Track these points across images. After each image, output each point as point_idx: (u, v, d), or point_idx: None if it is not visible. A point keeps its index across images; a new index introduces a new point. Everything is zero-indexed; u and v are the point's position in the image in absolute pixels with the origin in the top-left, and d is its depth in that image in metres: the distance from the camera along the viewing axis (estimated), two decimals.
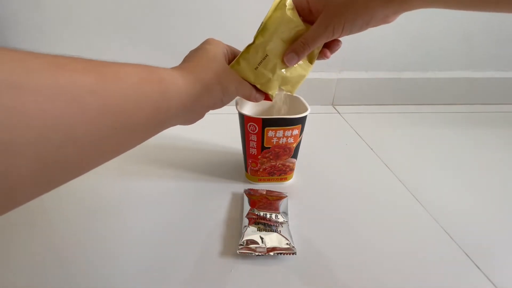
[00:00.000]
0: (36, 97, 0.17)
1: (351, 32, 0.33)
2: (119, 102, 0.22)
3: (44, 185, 0.19)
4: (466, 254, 0.38)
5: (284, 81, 0.37)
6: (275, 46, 0.35)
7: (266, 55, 0.35)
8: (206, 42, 0.35)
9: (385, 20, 0.32)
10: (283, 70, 0.36)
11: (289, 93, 0.39)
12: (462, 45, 0.79)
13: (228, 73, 0.34)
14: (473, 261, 0.37)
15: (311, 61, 0.38)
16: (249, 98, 0.38)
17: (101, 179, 0.49)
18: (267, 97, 0.39)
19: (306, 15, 0.36)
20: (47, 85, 0.18)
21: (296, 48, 0.35)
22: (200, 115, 0.35)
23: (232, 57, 0.37)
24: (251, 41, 0.36)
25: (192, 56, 0.34)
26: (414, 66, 0.81)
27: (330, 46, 0.38)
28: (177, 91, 0.28)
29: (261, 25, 0.35)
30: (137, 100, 0.24)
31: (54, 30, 0.69)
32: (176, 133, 0.64)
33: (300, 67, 0.38)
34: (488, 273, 0.36)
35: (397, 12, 0.31)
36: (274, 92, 0.38)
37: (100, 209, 0.43)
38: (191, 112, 0.32)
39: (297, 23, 0.35)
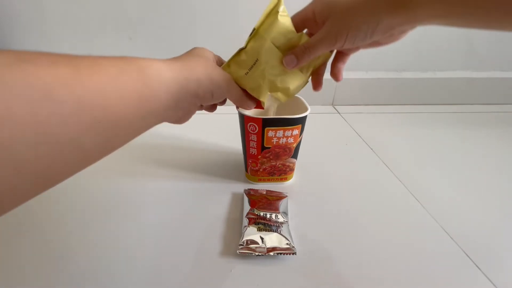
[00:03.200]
0: (2, 95, 0.16)
1: (355, 40, 0.31)
2: (97, 95, 0.20)
3: (21, 192, 0.18)
4: (466, 254, 0.38)
5: (275, 88, 0.37)
6: (266, 52, 0.34)
7: (257, 60, 0.35)
8: (192, 48, 0.35)
9: (390, 33, 0.31)
10: (274, 76, 0.36)
11: (279, 102, 0.39)
12: (462, 45, 0.80)
13: (218, 69, 0.33)
14: (473, 261, 0.37)
15: (306, 72, 0.38)
16: (239, 103, 0.37)
17: (100, 179, 0.49)
18: (259, 105, 0.39)
19: (312, 27, 0.35)
20: (15, 82, 0.16)
21: (297, 51, 0.34)
22: (190, 110, 0.33)
23: (220, 63, 0.37)
24: (243, 45, 0.35)
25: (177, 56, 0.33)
26: (414, 66, 0.81)
27: (337, 61, 0.38)
28: (161, 79, 0.26)
29: (253, 30, 0.35)
30: (117, 92, 0.22)
31: (55, 30, 0.69)
32: (176, 133, 0.64)
33: (294, 77, 0.37)
34: (488, 273, 0.36)
35: (402, 24, 0.30)
36: (265, 98, 0.37)
37: (99, 209, 0.43)
38: (179, 102, 0.29)
39: (290, 30, 0.34)
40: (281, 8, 0.34)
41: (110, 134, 0.22)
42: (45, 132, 0.17)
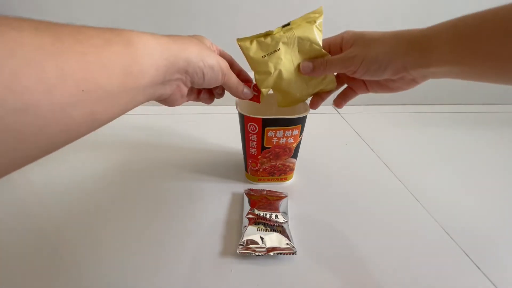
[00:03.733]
0: None
1: (368, 70, 0.34)
2: (81, 65, 0.19)
3: (6, 157, 0.18)
4: (465, 253, 0.38)
5: (278, 87, 0.39)
6: (289, 48, 0.37)
7: (279, 49, 0.36)
8: (192, 35, 0.34)
9: (402, 74, 0.33)
10: (284, 75, 0.38)
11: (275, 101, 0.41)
12: None
13: (213, 53, 0.32)
14: (472, 261, 0.37)
15: (311, 90, 0.40)
16: (235, 91, 0.37)
17: (100, 178, 0.49)
18: (255, 98, 0.39)
19: (336, 52, 0.37)
20: None
21: (315, 61, 0.37)
22: (180, 88, 0.32)
23: (218, 53, 0.37)
24: (272, 30, 0.37)
25: None
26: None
27: (344, 95, 0.42)
28: (149, 53, 0.25)
29: (287, 24, 0.37)
30: (101, 63, 0.21)
31: None
32: (176, 133, 0.64)
33: (299, 87, 0.39)
34: (488, 273, 0.36)
35: (415, 66, 0.31)
36: (266, 90, 0.38)
37: (99, 209, 0.44)
38: (167, 77, 0.28)
39: (316, 42, 0.37)
40: (319, 21, 0.37)
41: (95, 106, 0.21)
42: (28, 99, 0.17)
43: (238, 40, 0.37)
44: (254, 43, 0.37)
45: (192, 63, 0.30)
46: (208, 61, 0.31)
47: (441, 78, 0.32)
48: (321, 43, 0.37)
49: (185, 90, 0.32)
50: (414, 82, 0.36)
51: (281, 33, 0.36)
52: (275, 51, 0.37)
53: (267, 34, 0.37)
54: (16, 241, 0.38)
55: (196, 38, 0.33)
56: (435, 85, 0.81)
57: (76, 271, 0.35)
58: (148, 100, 0.28)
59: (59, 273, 0.34)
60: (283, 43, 0.36)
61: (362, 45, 0.34)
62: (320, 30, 0.37)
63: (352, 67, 0.34)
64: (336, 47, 0.38)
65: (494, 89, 0.84)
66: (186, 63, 0.29)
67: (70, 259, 0.36)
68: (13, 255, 0.36)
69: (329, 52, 0.38)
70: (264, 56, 0.37)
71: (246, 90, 0.37)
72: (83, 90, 0.20)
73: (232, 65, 0.38)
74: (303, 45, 0.37)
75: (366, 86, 0.40)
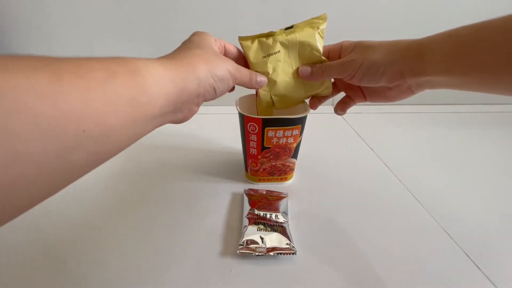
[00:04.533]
0: None
1: (365, 75, 0.34)
2: (82, 104, 0.18)
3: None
4: (465, 253, 0.38)
5: (276, 91, 0.39)
6: (289, 51, 0.37)
7: (278, 51, 0.37)
8: (192, 34, 0.33)
9: (399, 82, 0.33)
10: (281, 77, 0.38)
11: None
12: None
13: (221, 59, 0.31)
14: (472, 261, 0.37)
15: (307, 93, 0.40)
16: (249, 84, 0.35)
17: (100, 179, 0.49)
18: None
19: (334, 59, 0.38)
20: None
21: (314, 66, 0.38)
22: (192, 110, 0.31)
23: (223, 48, 0.36)
24: (274, 31, 0.37)
25: (175, 50, 0.31)
26: None
27: (342, 103, 0.42)
28: (157, 80, 0.24)
29: (290, 27, 0.37)
30: (105, 98, 0.19)
31: (55, 32, 0.69)
32: (176, 133, 0.64)
33: (296, 90, 0.39)
34: (488, 273, 0.36)
35: (411, 73, 0.32)
36: (264, 93, 0.39)
37: (99, 209, 0.44)
38: (178, 105, 0.27)
39: (317, 48, 0.37)
40: (322, 27, 0.37)
41: (98, 146, 0.19)
42: (19, 150, 0.15)
43: (240, 38, 0.37)
44: (256, 43, 0.37)
45: (203, 82, 0.28)
46: (217, 73, 0.29)
47: (437, 88, 0.33)
48: (321, 50, 0.37)
49: (196, 109, 0.32)
50: (410, 91, 0.36)
51: (283, 35, 0.37)
52: (275, 53, 0.37)
53: (269, 34, 0.37)
54: (18, 242, 0.38)
55: (197, 43, 0.31)
56: None
57: (76, 271, 0.35)
58: (158, 127, 0.26)
59: (60, 275, 0.34)
60: (284, 46, 0.37)
61: (361, 51, 0.35)
62: (322, 37, 0.37)
63: (350, 71, 0.35)
64: (335, 54, 0.38)
65: None
66: (196, 85, 0.28)
67: (71, 260, 0.36)
68: (13, 256, 0.36)
69: (328, 59, 0.38)
70: (264, 56, 0.37)
71: (259, 78, 0.37)
72: (84, 131, 0.18)
73: (239, 58, 0.38)
74: (304, 50, 0.37)
75: (364, 94, 0.40)
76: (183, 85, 0.26)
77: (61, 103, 0.17)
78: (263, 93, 0.39)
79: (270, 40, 0.37)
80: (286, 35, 0.37)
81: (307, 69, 0.37)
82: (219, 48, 0.35)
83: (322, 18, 0.37)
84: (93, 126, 0.18)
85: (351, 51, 0.36)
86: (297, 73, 0.38)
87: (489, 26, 0.27)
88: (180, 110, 0.28)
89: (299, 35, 0.36)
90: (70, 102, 0.17)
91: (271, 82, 0.38)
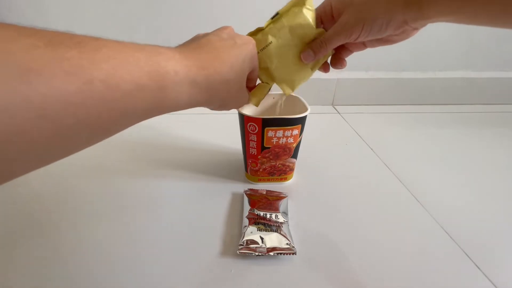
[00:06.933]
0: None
1: (370, 33, 0.33)
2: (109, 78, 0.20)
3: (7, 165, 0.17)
4: (465, 253, 0.38)
5: (281, 78, 0.39)
6: (281, 38, 0.36)
7: (271, 43, 0.36)
8: (237, 37, 0.33)
9: (403, 28, 0.32)
10: (282, 65, 0.37)
11: (284, 96, 0.40)
12: (462, 45, 0.79)
13: (244, 94, 0.35)
14: (472, 261, 0.37)
15: (313, 68, 0.39)
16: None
17: (101, 179, 0.49)
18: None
19: (328, 21, 0.36)
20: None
21: (314, 46, 0.36)
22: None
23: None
24: (262, 25, 0.37)
25: (215, 51, 0.30)
26: (414, 66, 0.81)
27: (339, 55, 0.39)
28: (182, 102, 0.28)
29: (276, 14, 0.36)
30: (126, 113, 0.22)
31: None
32: (176, 133, 0.64)
33: (301, 70, 0.38)
34: (488, 273, 0.36)
35: (415, 20, 0.31)
36: (266, 80, 0.39)
37: (99, 209, 0.43)
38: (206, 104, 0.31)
39: (310, 25, 0.35)
40: (309, 1, 0.35)
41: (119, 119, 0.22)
42: (38, 110, 0.16)
43: None
44: None
45: (211, 106, 0.33)
46: (231, 108, 0.35)
47: (443, 22, 0.31)
48: (313, 23, 0.36)
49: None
50: (415, 30, 0.34)
51: (271, 25, 0.36)
52: (267, 46, 0.36)
53: (258, 30, 0.37)
54: (8, 231, 0.38)
55: (239, 42, 0.32)
56: (435, 85, 0.82)
57: (76, 271, 0.35)
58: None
59: (56, 274, 0.34)
60: (273, 35, 0.36)
61: (357, 9, 0.33)
62: (310, 9, 0.35)
63: (354, 35, 0.33)
64: (328, 17, 0.36)
65: (494, 89, 0.84)
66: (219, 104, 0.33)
67: (70, 260, 0.36)
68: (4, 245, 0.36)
69: (322, 24, 0.37)
70: (258, 52, 0.36)
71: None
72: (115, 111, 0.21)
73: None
74: (296, 31, 0.36)
75: (364, 43, 0.38)
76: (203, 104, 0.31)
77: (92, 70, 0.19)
78: (267, 86, 0.39)
79: (259, 35, 0.36)
80: (274, 25, 0.36)
81: (309, 52, 0.36)
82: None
83: None
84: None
85: (343, 10, 0.34)
86: (297, 56, 0.37)
87: None
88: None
89: (286, 20, 0.35)
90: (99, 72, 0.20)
91: (274, 74, 0.38)
